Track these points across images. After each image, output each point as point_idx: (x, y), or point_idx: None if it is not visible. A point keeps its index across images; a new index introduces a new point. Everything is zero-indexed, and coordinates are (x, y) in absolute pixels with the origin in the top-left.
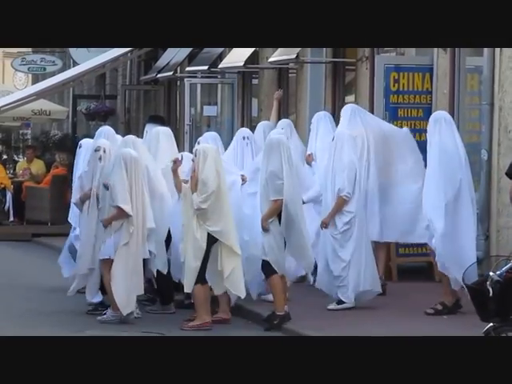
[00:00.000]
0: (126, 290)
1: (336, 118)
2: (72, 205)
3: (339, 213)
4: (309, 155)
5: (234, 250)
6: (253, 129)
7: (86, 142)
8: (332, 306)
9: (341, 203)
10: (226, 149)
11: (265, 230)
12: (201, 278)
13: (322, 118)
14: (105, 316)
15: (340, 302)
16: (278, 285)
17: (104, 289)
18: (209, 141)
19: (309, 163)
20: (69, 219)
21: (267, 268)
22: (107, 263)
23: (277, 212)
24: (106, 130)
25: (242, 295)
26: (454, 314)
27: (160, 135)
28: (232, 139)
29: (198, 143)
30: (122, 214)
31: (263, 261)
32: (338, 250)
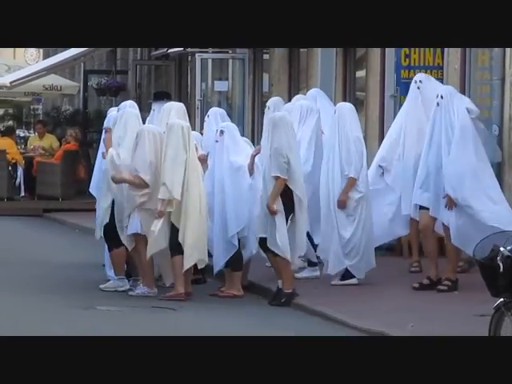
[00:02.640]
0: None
1: (348, 93)
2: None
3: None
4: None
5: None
6: (264, 104)
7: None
8: (335, 282)
9: (351, 183)
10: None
11: (273, 213)
12: (180, 249)
13: (315, 96)
14: (139, 292)
15: (343, 277)
16: (285, 264)
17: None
18: (218, 116)
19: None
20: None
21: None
22: (139, 238)
23: (280, 190)
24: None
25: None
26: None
27: (172, 111)
28: (243, 114)
29: (208, 117)
30: (140, 182)
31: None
32: (342, 228)
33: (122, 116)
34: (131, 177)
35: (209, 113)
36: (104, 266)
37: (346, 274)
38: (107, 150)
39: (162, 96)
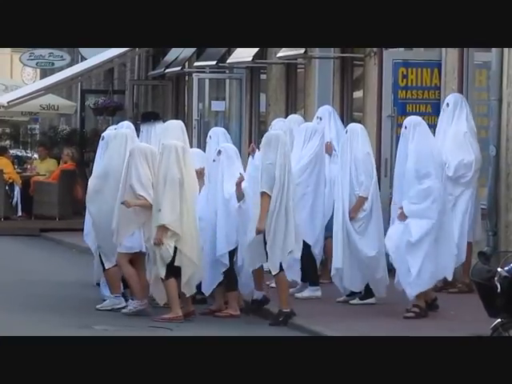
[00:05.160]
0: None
1: (345, 113)
2: None
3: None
4: (328, 144)
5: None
6: (261, 124)
7: (108, 134)
8: (354, 301)
9: (361, 201)
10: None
11: (260, 232)
12: (174, 273)
13: (331, 112)
14: (132, 308)
15: (363, 297)
16: (283, 282)
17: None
18: (219, 136)
19: (328, 153)
20: None
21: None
22: (127, 257)
23: (267, 207)
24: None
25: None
26: (426, 317)
27: (170, 130)
28: (240, 134)
29: (210, 137)
30: (145, 203)
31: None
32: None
33: (108, 141)
34: (139, 201)
35: (210, 133)
36: (98, 285)
37: (366, 294)
38: None
39: (150, 117)
